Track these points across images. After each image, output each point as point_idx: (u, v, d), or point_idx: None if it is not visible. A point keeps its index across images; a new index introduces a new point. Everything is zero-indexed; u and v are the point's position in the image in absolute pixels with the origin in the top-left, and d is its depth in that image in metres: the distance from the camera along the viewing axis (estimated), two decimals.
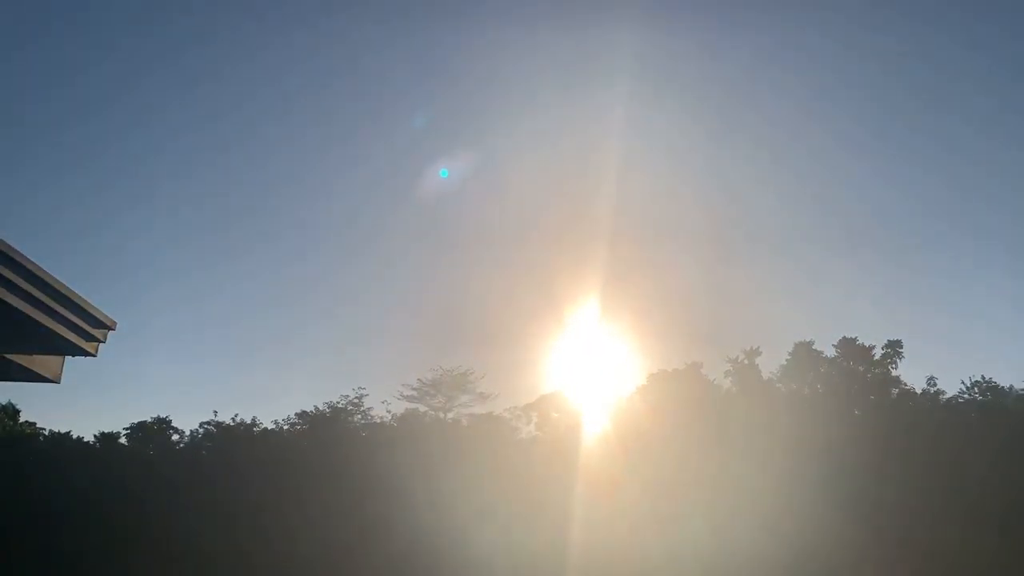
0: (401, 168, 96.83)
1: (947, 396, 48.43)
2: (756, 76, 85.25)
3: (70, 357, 8.87)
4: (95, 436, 54.36)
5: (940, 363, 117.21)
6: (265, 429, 53.08)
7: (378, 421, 53.18)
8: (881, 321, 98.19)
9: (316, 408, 52.94)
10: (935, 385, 48.48)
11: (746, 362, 50.62)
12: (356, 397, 53.10)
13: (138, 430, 54.74)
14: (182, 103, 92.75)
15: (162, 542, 44.69)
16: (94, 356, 8.95)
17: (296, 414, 53.26)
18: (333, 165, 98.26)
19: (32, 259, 7.11)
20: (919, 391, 48.94)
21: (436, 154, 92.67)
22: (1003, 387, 48.08)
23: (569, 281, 66.81)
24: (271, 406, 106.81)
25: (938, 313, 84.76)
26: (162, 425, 55.32)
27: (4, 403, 53.73)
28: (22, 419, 55.08)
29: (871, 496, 40.13)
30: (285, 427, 53.26)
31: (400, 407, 54.26)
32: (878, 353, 49.87)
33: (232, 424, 52.77)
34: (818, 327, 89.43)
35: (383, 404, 61.79)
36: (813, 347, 50.77)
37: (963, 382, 48.75)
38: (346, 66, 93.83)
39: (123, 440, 54.49)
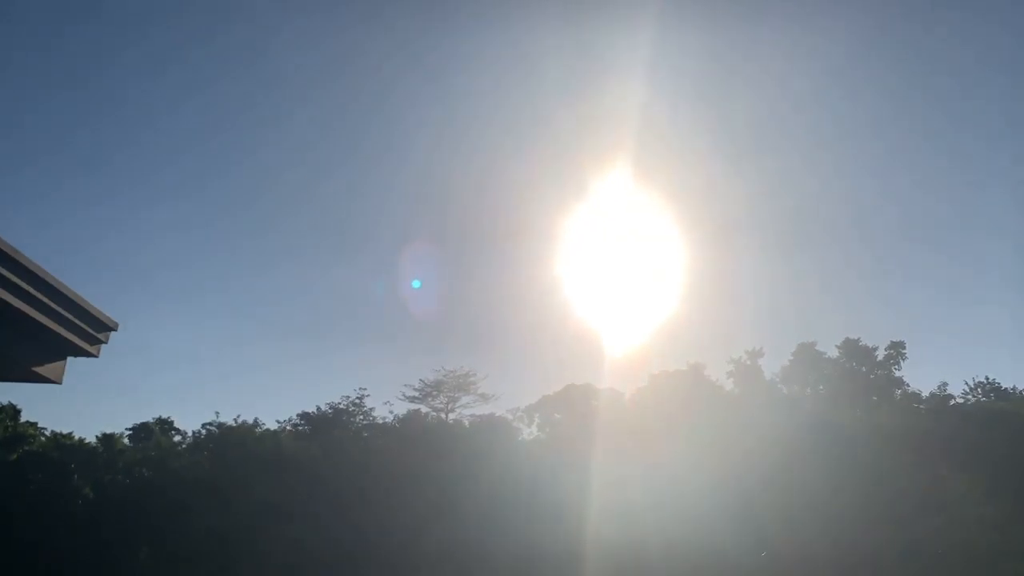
0: (403, 168, 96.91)
1: (950, 397, 48.36)
2: (760, 78, 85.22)
3: (72, 358, 8.79)
4: (97, 437, 54.29)
5: (942, 364, 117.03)
6: (267, 430, 53.07)
7: (380, 422, 53.26)
8: (884, 322, 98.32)
9: (318, 408, 52.99)
10: (945, 390, 48.28)
11: (748, 363, 50.55)
12: (358, 398, 53.23)
13: (140, 431, 54.69)
14: (185, 106, 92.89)
15: (165, 541, 44.71)
16: (96, 357, 8.88)
17: (298, 415, 53.36)
18: (333, 164, 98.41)
19: (33, 259, 7.05)
20: (922, 392, 48.86)
21: (435, 149, 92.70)
22: (1007, 388, 47.95)
23: (570, 283, 66.88)
24: (273, 407, 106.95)
25: (941, 314, 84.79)
26: (164, 426, 55.28)
27: (5, 404, 53.51)
28: (23, 419, 54.90)
29: (873, 496, 40.04)
30: (287, 428, 53.29)
31: (402, 408, 54.44)
32: (881, 354, 49.76)
33: (234, 425, 52.76)
34: (821, 328, 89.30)
35: (385, 405, 61.71)
36: (816, 348, 50.74)
37: (967, 383, 48.68)
38: (351, 60, 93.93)
39: (125, 440, 54.44)
